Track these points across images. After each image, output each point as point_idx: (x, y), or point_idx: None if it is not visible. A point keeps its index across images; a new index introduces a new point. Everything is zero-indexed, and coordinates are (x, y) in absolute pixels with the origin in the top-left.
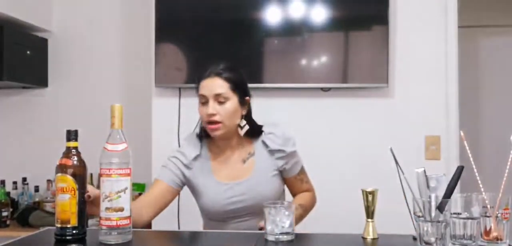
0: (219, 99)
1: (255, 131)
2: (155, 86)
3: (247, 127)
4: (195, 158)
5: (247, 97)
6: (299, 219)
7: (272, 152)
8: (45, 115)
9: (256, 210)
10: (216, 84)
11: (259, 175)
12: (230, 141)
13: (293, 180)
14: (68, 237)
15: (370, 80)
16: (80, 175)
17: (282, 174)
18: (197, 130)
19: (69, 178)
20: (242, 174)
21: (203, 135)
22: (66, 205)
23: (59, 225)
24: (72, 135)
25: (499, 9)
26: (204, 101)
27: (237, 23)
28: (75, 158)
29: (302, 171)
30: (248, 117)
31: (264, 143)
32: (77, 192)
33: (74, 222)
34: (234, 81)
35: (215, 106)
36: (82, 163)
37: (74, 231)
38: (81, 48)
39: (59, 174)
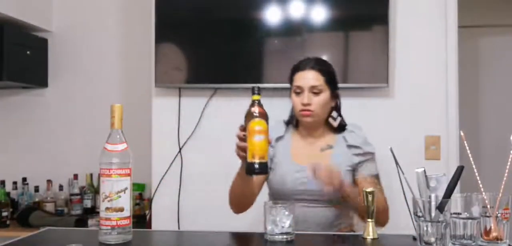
0: (314, 90)
1: (340, 126)
2: (155, 86)
3: (340, 119)
4: (278, 139)
5: (337, 91)
6: (352, 200)
7: (349, 147)
8: (45, 115)
9: (320, 198)
10: (312, 77)
11: (333, 165)
12: (315, 130)
13: (363, 182)
14: (263, 169)
15: (370, 80)
16: (267, 122)
17: (354, 173)
18: (287, 118)
19: (264, 123)
20: (317, 160)
21: (291, 122)
22: (263, 143)
23: (257, 160)
24: (256, 90)
25: (499, 9)
26: (299, 91)
27: (237, 23)
28: (263, 109)
29: (376, 178)
30: (338, 110)
31: (344, 138)
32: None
33: (266, 158)
34: (328, 74)
35: (310, 97)
36: (266, 113)
37: (265, 165)
38: (81, 48)
39: (257, 120)
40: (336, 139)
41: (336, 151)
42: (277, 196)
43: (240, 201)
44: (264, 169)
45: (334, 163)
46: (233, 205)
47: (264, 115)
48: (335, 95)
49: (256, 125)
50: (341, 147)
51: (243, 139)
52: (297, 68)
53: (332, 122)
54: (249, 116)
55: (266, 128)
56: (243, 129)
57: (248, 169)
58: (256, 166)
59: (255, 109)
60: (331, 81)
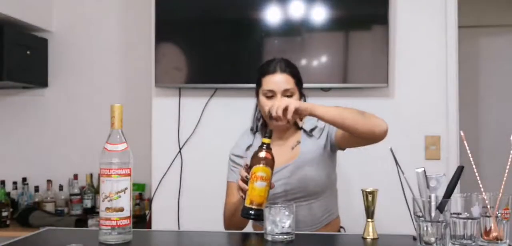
0: (286, 94)
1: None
2: (155, 86)
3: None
4: (248, 148)
5: (303, 91)
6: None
7: (310, 134)
8: (45, 115)
9: (303, 195)
10: (284, 80)
11: (304, 158)
12: (285, 132)
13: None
14: (259, 216)
15: (370, 80)
16: (272, 168)
17: (332, 145)
18: (251, 125)
19: (269, 170)
20: (289, 158)
21: (258, 128)
22: (263, 191)
23: (254, 207)
24: (268, 133)
25: (499, 9)
26: (270, 95)
27: (237, 23)
28: (271, 154)
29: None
30: None
31: (303, 129)
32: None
33: (264, 205)
34: (297, 76)
35: None
36: (274, 159)
37: (261, 212)
38: (81, 48)
39: (262, 165)
40: (300, 133)
41: (304, 144)
42: None
43: (236, 223)
44: (259, 216)
45: (305, 152)
46: (228, 225)
47: (270, 162)
48: (301, 95)
49: (260, 170)
50: (306, 139)
51: (245, 180)
52: (266, 71)
53: (299, 123)
54: (255, 159)
55: (269, 175)
56: (248, 168)
57: (244, 212)
58: (252, 212)
59: (263, 155)
60: (299, 82)
